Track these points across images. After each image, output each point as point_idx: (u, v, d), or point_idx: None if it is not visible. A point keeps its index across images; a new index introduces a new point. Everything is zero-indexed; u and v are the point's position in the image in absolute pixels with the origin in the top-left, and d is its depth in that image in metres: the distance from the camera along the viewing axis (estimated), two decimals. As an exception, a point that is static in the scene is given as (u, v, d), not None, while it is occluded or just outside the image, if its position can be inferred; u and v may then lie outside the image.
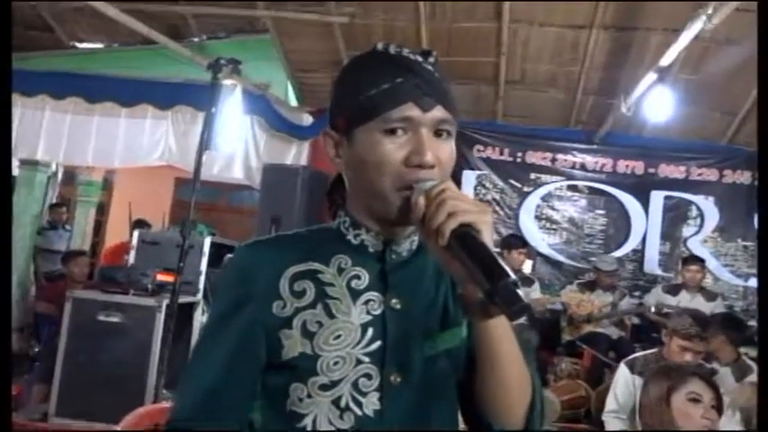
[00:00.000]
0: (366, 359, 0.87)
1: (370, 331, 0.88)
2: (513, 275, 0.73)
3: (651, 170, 6.27)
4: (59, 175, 7.44)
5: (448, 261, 0.80)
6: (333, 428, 0.86)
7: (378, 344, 0.88)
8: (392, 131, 0.85)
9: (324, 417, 0.86)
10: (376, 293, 0.90)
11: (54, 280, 6.26)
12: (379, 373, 0.87)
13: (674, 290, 5.46)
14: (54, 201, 7.29)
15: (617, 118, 5.75)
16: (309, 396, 0.86)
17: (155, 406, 2.44)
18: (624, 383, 3.18)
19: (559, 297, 5.64)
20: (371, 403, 0.87)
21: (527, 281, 5.50)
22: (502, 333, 0.85)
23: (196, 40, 6.32)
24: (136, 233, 4.11)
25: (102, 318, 3.38)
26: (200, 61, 4.57)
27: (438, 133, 0.87)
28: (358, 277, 0.90)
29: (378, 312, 0.89)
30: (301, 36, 5.92)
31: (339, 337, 0.87)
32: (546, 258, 6.35)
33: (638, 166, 6.30)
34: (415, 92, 0.85)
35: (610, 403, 3.22)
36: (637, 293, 5.97)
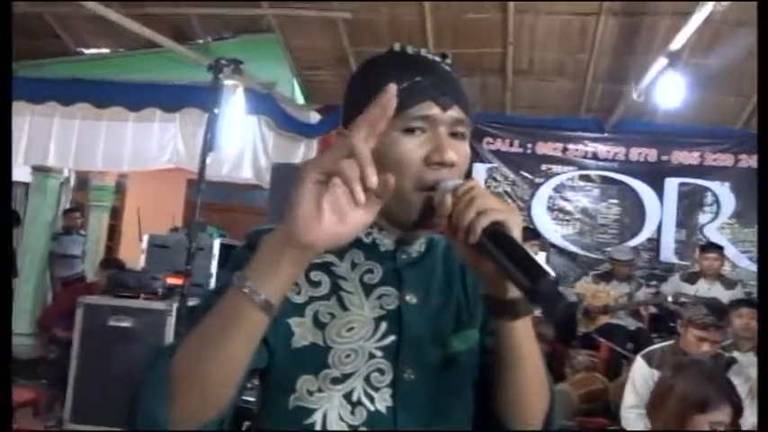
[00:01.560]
0: (379, 353, 0.86)
1: (383, 326, 0.87)
2: (553, 273, 0.70)
3: (665, 157, 6.17)
4: (72, 181, 7.49)
5: (476, 260, 0.79)
6: (343, 424, 0.84)
7: (392, 338, 0.87)
8: (410, 130, 0.84)
9: (335, 412, 0.84)
10: (390, 288, 0.89)
11: (70, 284, 6.31)
12: (393, 368, 0.86)
13: (692, 278, 5.37)
14: (68, 206, 7.35)
15: (628, 105, 5.66)
16: (320, 390, 0.84)
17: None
18: (642, 377, 3.12)
19: (574, 289, 5.57)
20: (384, 399, 0.85)
21: (541, 273, 5.44)
22: (526, 334, 0.84)
23: (201, 41, 6.30)
24: (146, 237, 4.11)
25: (113, 323, 3.39)
26: (204, 63, 4.57)
27: (454, 134, 0.87)
28: (371, 272, 0.90)
29: (392, 307, 0.88)
30: (305, 33, 5.90)
31: (352, 329, 0.86)
32: (560, 250, 6.28)
33: (652, 154, 6.20)
34: (435, 91, 0.85)
35: (628, 398, 3.16)
36: (653, 283, 5.88)
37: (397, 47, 0.90)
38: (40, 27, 6.26)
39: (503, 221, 0.76)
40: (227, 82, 3.38)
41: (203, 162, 3.05)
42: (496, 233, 0.75)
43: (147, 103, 5.74)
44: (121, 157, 5.78)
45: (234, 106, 4.40)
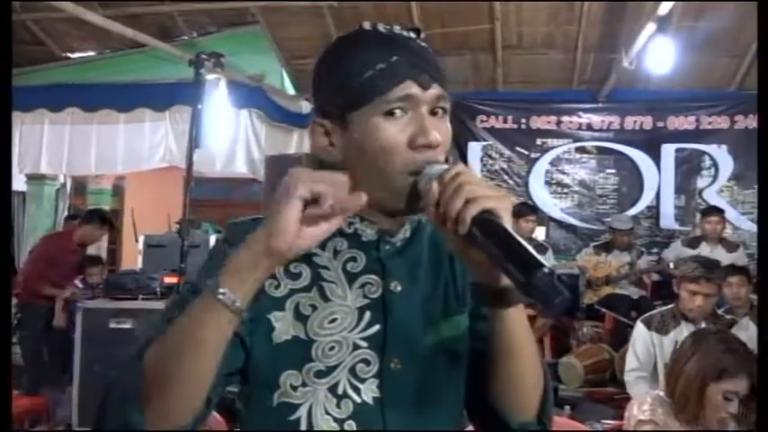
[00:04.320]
0: (363, 344, 0.84)
1: (367, 315, 0.84)
2: (548, 265, 0.67)
3: (660, 123, 6.13)
4: (68, 187, 7.48)
5: (465, 248, 0.75)
6: (329, 418, 0.82)
7: (376, 328, 0.84)
8: (391, 113, 0.80)
9: (320, 406, 0.82)
10: (374, 276, 0.86)
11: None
12: (378, 358, 0.84)
13: (693, 243, 5.35)
14: (66, 213, 7.35)
15: (620, 73, 5.61)
16: (304, 384, 0.82)
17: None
18: (642, 341, 3.14)
19: (575, 261, 5.56)
20: (370, 390, 0.83)
21: (540, 248, 5.41)
22: (519, 321, 0.81)
23: (186, 38, 6.26)
24: (141, 237, 4.11)
25: (113, 325, 3.40)
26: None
27: (434, 112, 0.83)
28: (354, 260, 0.87)
29: (376, 296, 0.85)
30: (291, 24, 5.85)
31: (335, 320, 0.84)
32: (559, 223, 6.27)
33: (647, 121, 6.15)
34: (413, 70, 0.80)
35: (630, 362, 3.19)
36: (655, 250, 5.87)
37: (367, 25, 0.84)
38: (23, 34, 6.22)
39: (492, 209, 0.72)
40: (210, 76, 3.34)
41: (190, 159, 3.03)
42: (486, 222, 0.72)
43: (136, 103, 5.71)
44: (115, 159, 5.77)
45: (218, 100, 4.35)
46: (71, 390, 3.47)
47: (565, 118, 6.28)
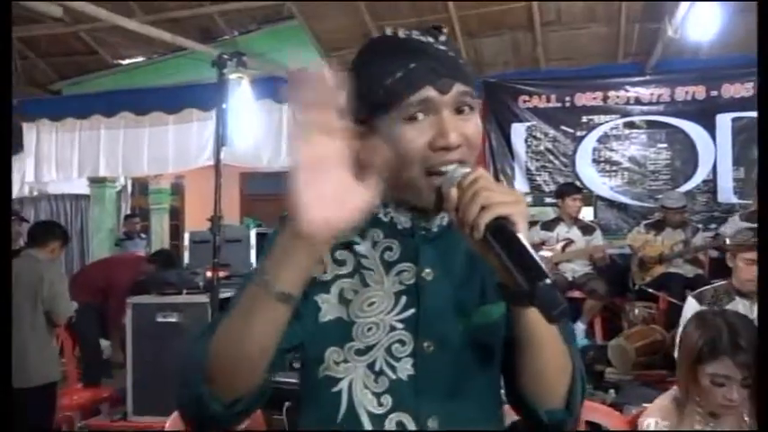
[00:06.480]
0: (399, 326, 0.90)
1: (403, 299, 0.91)
2: (550, 276, 0.72)
3: (714, 93, 5.82)
4: (129, 188, 7.85)
5: (485, 252, 0.79)
6: (367, 392, 0.89)
7: (411, 311, 0.90)
8: (413, 117, 0.85)
9: (359, 380, 0.89)
10: (409, 264, 0.92)
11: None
12: (413, 339, 0.90)
13: (752, 217, 5.07)
14: (128, 213, 7.72)
15: (667, 43, 5.36)
16: (346, 360, 0.90)
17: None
18: None
19: (625, 241, 5.39)
20: (405, 368, 0.89)
21: (588, 228, 5.30)
22: (540, 321, 0.82)
23: (228, 37, 6.42)
24: (186, 235, 4.27)
25: (160, 319, 3.57)
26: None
27: (460, 110, 0.86)
28: (390, 249, 0.93)
29: (411, 282, 0.92)
30: (327, 16, 5.89)
31: (373, 304, 0.91)
32: (610, 203, 6.07)
33: (699, 91, 5.86)
34: (431, 75, 0.85)
35: (679, 339, 3.07)
36: (713, 226, 5.61)
37: (389, 31, 0.90)
38: (77, 45, 6.54)
39: (507, 215, 0.76)
40: (233, 75, 3.43)
41: (218, 157, 3.13)
42: (500, 229, 0.75)
43: (183, 104, 5.95)
44: (166, 159, 6.02)
45: (241, 99, 4.45)
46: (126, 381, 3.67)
47: (611, 93, 6.05)
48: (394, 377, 0.89)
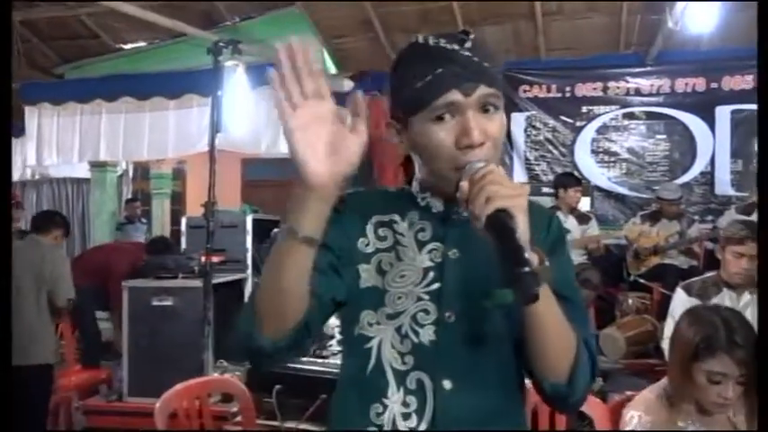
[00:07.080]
0: (425, 297, 1.01)
1: (431, 274, 1.02)
2: (530, 266, 0.81)
3: (714, 84, 5.82)
4: (130, 173, 7.88)
5: (489, 240, 0.87)
6: (394, 351, 1.02)
7: (437, 285, 1.02)
8: (440, 118, 0.96)
9: (387, 341, 1.02)
10: (438, 244, 1.04)
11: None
12: (437, 309, 1.01)
13: (749, 209, 5.07)
14: (129, 197, 7.75)
15: (668, 35, 5.35)
16: (378, 323, 1.02)
17: (196, 380, 2.57)
18: (682, 307, 3.01)
19: (621, 231, 5.41)
20: (428, 334, 1.01)
21: (584, 218, 5.31)
22: (545, 303, 0.93)
23: (229, 23, 6.42)
24: (183, 219, 4.31)
25: (156, 302, 3.61)
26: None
27: (485, 109, 0.96)
28: (423, 230, 1.05)
29: (439, 260, 1.03)
30: (327, 2, 5.89)
31: (404, 276, 1.02)
32: (607, 193, 6.09)
33: (699, 83, 5.85)
34: (456, 79, 0.94)
35: (668, 329, 3.09)
36: (709, 218, 5.63)
37: (420, 39, 1.00)
38: (79, 29, 6.56)
39: (506, 208, 0.84)
40: (228, 63, 3.45)
41: (212, 143, 3.16)
42: (498, 219, 0.84)
43: (184, 90, 5.94)
44: (166, 144, 6.04)
45: (236, 86, 4.47)
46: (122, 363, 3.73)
47: (611, 83, 6.06)
48: (417, 341, 1.00)
